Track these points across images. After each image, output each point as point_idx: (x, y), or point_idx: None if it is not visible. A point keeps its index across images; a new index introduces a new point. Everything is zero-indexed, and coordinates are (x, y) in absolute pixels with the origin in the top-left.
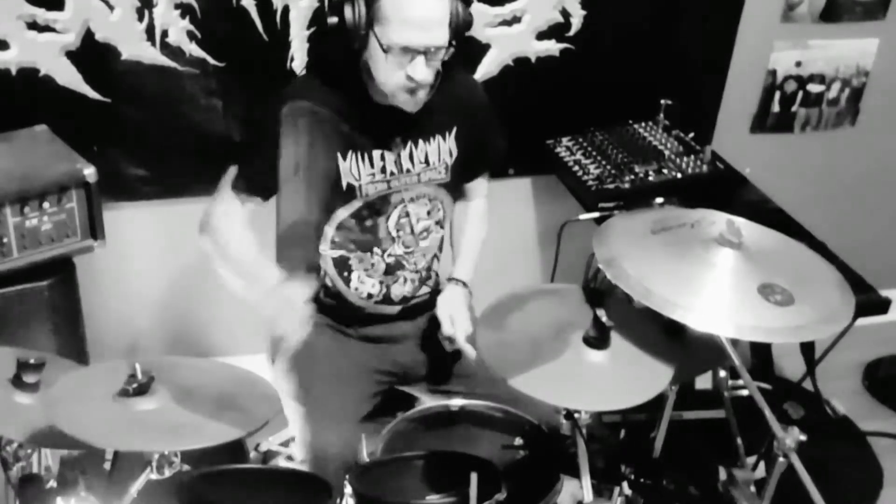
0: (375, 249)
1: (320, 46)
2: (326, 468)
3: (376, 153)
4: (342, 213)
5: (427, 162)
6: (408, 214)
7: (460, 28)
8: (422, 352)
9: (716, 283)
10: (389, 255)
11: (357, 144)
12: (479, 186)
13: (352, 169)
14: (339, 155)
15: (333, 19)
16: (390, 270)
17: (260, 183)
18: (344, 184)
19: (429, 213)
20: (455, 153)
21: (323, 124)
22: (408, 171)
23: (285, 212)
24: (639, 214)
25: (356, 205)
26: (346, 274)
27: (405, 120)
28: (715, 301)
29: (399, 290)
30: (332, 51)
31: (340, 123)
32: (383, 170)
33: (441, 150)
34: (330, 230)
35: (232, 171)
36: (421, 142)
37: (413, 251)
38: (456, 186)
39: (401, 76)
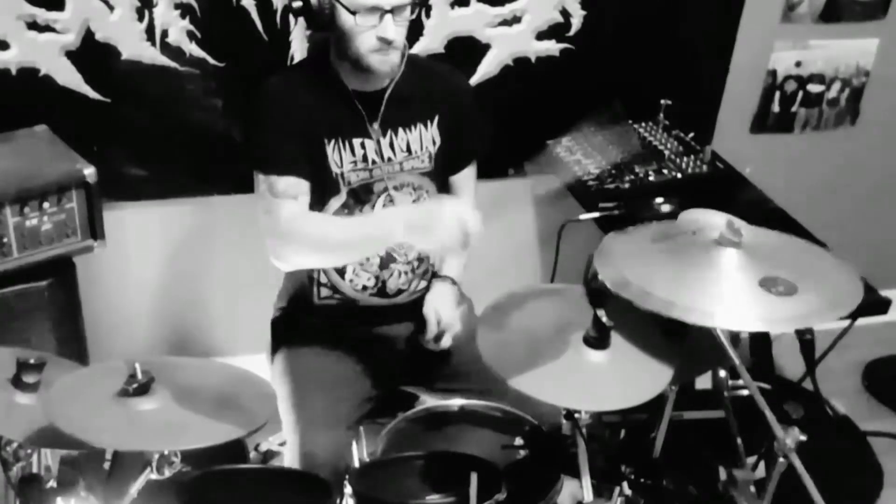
0: None
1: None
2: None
3: (356, 141)
4: (334, 204)
5: (409, 150)
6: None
7: None
8: (412, 354)
9: (719, 282)
10: None
11: (336, 132)
12: (466, 183)
13: (334, 156)
14: (325, 141)
15: (297, 3)
16: (384, 264)
17: (293, 163)
18: (331, 171)
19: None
20: (438, 141)
21: (311, 110)
22: (389, 159)
23: None
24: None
25: (343, 194)
26: (340, 268)
27: (379, 106)
28: (718, 297)
29: (394, 283)
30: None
31: (320, 110)
32: (364, 158)
33: (423, 138)
34: None
35: (262, 184)
36: (401, 130)
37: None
38: (441, 176)
39: (371, 38)
